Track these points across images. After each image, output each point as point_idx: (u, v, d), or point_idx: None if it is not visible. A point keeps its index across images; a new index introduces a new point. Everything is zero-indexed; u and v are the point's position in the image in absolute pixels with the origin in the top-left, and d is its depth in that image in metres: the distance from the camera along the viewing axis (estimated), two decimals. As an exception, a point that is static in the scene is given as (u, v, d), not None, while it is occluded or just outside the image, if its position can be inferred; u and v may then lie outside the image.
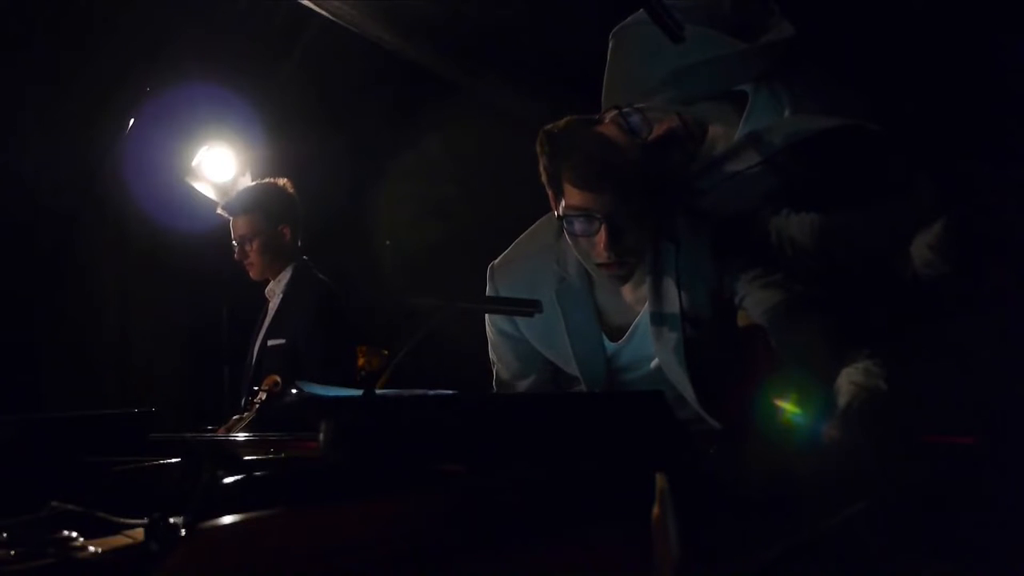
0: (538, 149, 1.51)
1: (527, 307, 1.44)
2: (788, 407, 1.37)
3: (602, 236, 1.46)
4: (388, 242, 3.73)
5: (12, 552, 0.67)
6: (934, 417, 1.37)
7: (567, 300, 1.61)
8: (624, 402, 1.12)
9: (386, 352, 2.08)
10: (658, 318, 1.56)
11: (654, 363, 1.60)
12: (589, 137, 1.49)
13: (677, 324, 1.54)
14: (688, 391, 1.54)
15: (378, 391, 1.22)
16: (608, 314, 1.64)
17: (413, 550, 0.67)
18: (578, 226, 1.48)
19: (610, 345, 1.63)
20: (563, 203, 1.49)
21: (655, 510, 0.68)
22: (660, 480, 0.71)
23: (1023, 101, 1.69)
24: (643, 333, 1.59)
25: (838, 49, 1.77)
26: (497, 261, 1.73)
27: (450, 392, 1.30)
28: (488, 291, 1.71)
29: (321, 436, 0.82)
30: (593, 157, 1.45)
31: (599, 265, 1.52)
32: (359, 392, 1.23)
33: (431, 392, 1.27)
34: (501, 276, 1.70)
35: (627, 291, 1.61)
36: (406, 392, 1.32)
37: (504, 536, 0.73)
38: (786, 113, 1.59)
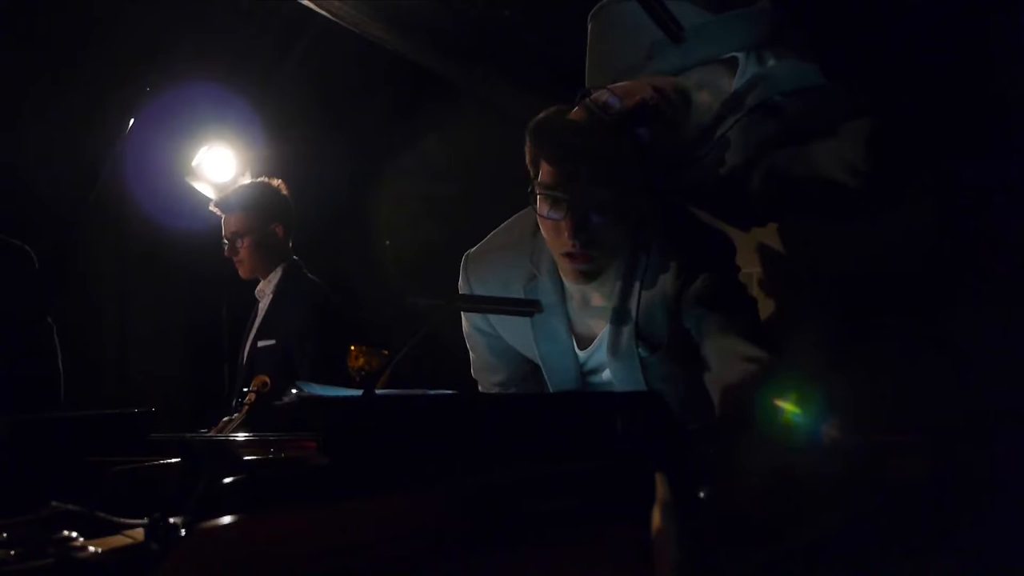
0: (526, 139, 1.50)
1: (527, 307, 1.43)
2: (787, 407, 1.37)
3: (568, 222, 1.43)
4: (388, 242, 3.73)
5: (12, 552, 0.67)
6: (932, 417, 1.37)
7: (536, 298, 1.56)
8: (624, 402, 1.12)
9: (386, 352, 2.08)
10: (616, 330, 1.53)
11: None
12: (565, 122, 1.47)
13: (632, 340, 1.52)
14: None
15: (378, 391, 1.22)
16: (576, 323, 1.60)
17: (413, 550, 0.67)
18: (547, 208, 1.45)
19: (580, 353, 1.61)
20: (538, 180, 1.47)
21: (655, 510, 0.68)
22: (660, 480, 0.71)
23: (1019, 98, 1.69)
24: None
25: (828, 40, 1.77)
26: (473, 251, 1.70)
27: (450, 392, 1.30)
28: (460, 281, 1.69)
29: (321, 436, 0.82)
30: (570, 141, 1.43)
31: (564, 255, 1.48)
32: (359, 392, 1.23)
33: (431, 392, 1.27)
34: (475, 268, 1.67)
35: (597, 299, 1.58)
36: (406, 392, 1.32)
37: (504, 536, 0.73)
38: None
